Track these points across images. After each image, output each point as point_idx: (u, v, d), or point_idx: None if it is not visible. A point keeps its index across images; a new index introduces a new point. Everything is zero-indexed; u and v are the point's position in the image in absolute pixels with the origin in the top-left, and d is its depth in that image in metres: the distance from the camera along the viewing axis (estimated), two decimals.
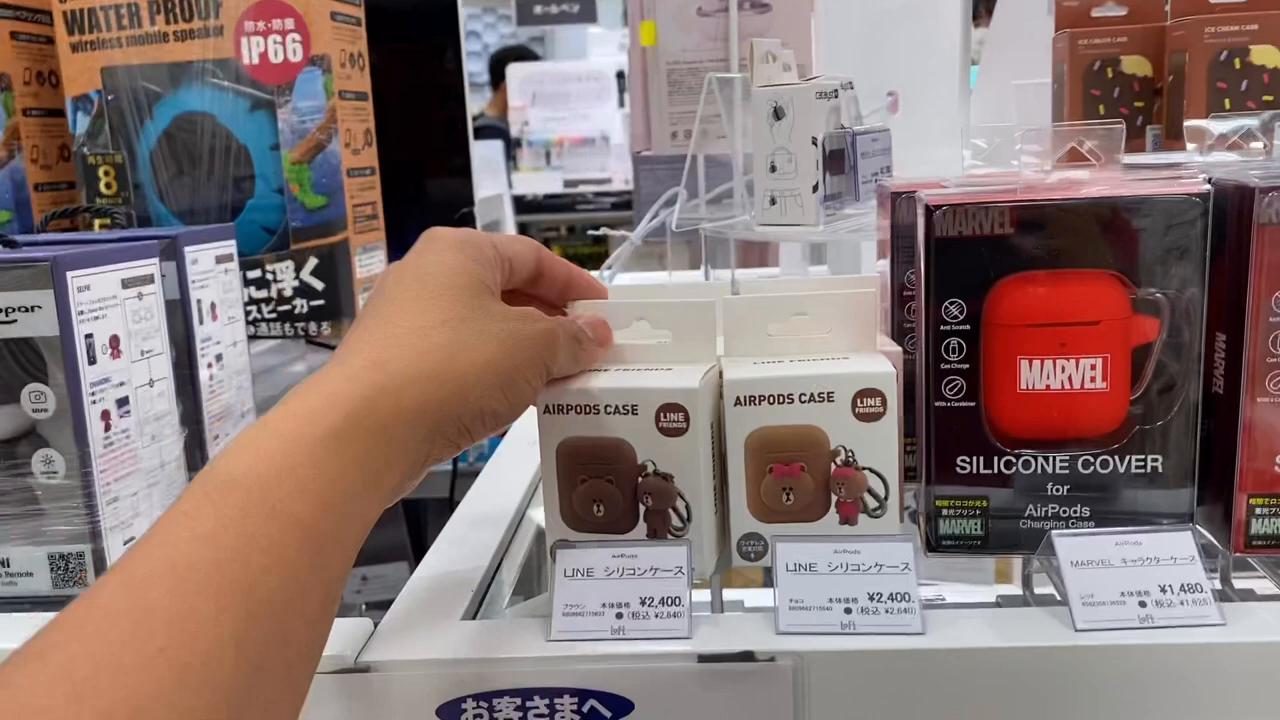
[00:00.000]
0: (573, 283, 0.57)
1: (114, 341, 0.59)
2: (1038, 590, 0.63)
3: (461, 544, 0.64)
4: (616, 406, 0.53)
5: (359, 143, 0.87)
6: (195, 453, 0.68)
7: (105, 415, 0.59)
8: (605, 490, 0.54)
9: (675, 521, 0.54)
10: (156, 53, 0.83)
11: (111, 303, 0.60)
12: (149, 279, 0.62)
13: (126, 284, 0.61)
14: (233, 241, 0.73)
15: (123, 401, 0.60)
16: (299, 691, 0.37)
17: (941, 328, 0.54)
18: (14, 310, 0.56)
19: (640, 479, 0.54)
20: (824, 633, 0.48)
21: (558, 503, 0.55)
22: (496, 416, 0.47)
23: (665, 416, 0.53)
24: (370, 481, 0.42)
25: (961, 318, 0.54)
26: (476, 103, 4.86)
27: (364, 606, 0.95)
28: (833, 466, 0.55)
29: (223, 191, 0.86)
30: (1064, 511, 0.55)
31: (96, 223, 0.82)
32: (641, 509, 0.54)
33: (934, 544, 0.57)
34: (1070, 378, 0.54)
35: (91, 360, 0.57)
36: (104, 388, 0.59)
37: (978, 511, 0.56)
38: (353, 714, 0.48)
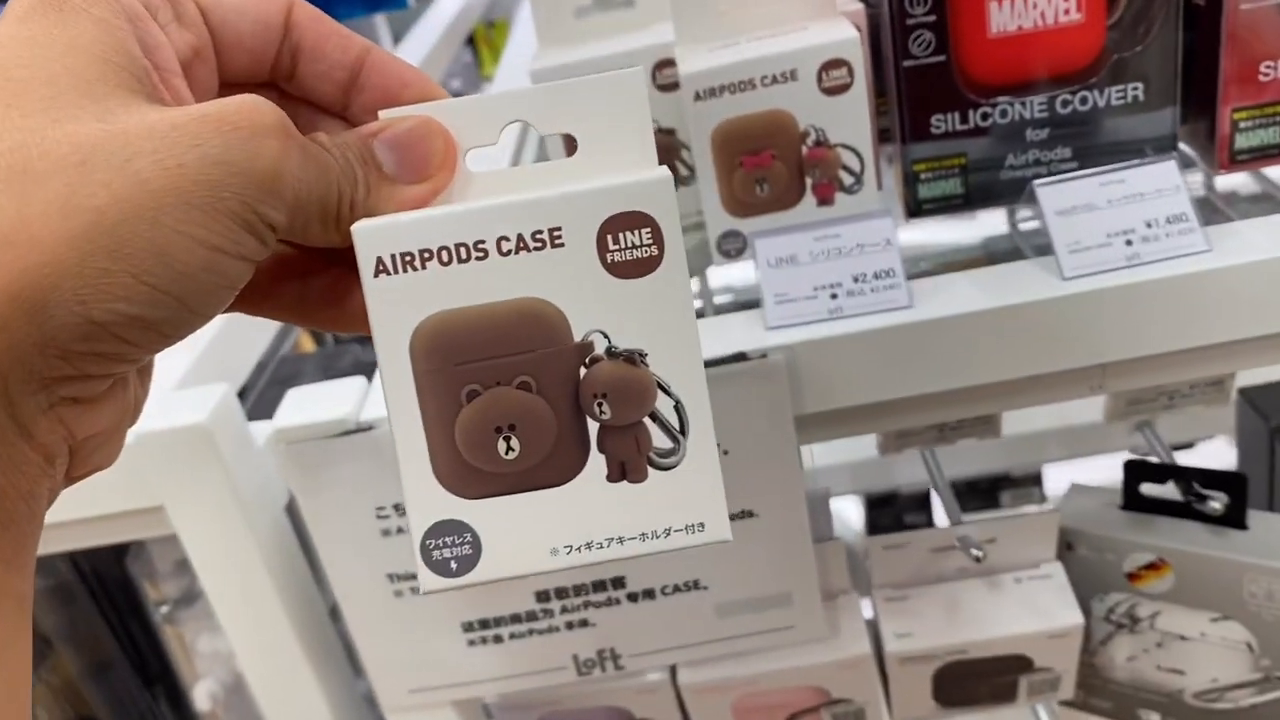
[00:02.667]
0: (375, 69, 0.29)
1: None
2: (1024, 228, 0.63)
3: None
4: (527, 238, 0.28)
5: None
6: None
7: None
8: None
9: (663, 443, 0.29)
10: None
11: None
12: None
13: None
14: None
15: None
16: None
17: None
18: None
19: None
20: (812, 321, 0.48)
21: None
22: (141, 326, 0.24)
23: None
24: None
25: None
26: None
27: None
28: (804, 149, 0.53)
29: None
30: (1044, 156, 0.53)
31: None
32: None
33: (914, 209, 0.55)
34: (1043, 14, 0.51)
35: None
36: None
37: (956, 170, 0.54)
38: (364, 470, 0.49)
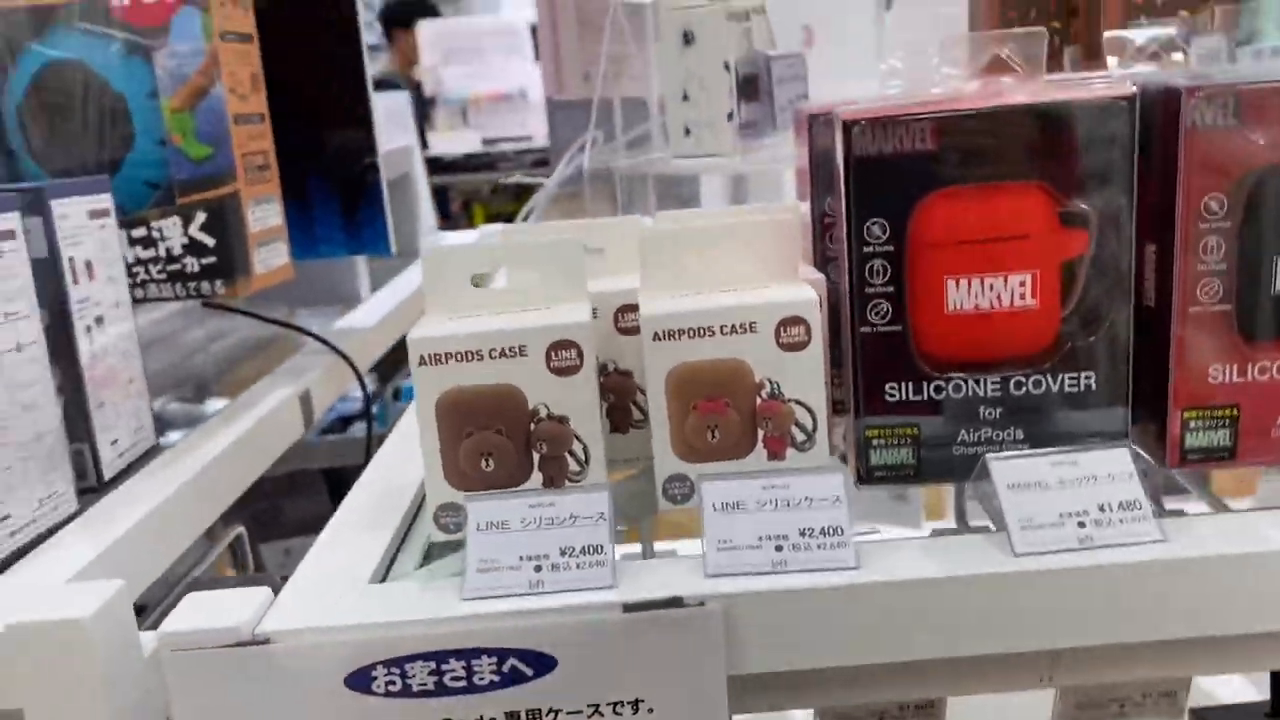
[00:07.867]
0: None
1: None
2: (973, 523, 0.61)
3: (366, 510, 0.60)
4: (503, 350, 0.50)
5: (245, 88, 0.81)
6: (78, 423, 0.63)
7: None
8: (495, 442, 0.52)
9: (573, 466, 0.52)
10: None
11: None
12: (9, 234, 0.57)
13: None
14: (107, 195, 0.68)
15: None
16: None
17: (864, 249, 0.52)
18: None
19: (533, 425, 0.52)
20: (754, 573, 0.46)
21: (440, 463, 0.52)
22: None
23: (557, 355, 0.51)
24: None
25: (885, 238, 0.52)
26: (374, 62, 4.67)
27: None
28: (758, 400, 0.52)
29: (100, 147, 0.79)
30: (997, 435, 0.53)
31: None
32: (535, 457, 0.52)
33: (865, 476, 0.54)
34: (999, 296, 0.52)
35: None
36: None
37: (909, 440, 0.54)
38: (253, 691, 0.45)
